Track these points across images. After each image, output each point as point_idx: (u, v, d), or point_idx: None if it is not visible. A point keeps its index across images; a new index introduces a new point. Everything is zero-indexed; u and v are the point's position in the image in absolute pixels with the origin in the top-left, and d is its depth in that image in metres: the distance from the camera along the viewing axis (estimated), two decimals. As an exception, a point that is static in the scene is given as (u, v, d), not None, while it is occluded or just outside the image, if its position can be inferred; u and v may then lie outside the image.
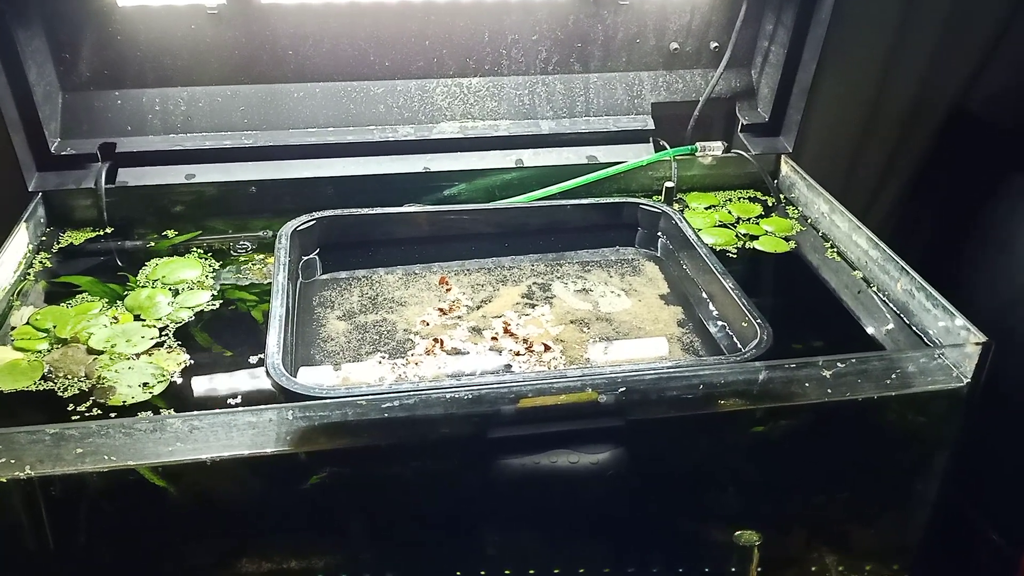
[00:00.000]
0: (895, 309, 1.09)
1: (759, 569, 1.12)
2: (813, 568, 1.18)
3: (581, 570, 1.12)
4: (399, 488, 0.96)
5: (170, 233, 1.23)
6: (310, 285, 1.14)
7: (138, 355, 0.98)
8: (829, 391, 0.92)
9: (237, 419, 0.83)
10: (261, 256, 1.20)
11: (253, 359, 0.98)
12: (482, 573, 1.02)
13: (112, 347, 0.99)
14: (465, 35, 1.30)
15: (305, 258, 1.18)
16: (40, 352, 0.98)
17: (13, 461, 0.79)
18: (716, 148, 1.38)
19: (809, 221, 1.31)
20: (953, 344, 0.96)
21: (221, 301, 1.09)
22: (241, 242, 1.20)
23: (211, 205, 1.26)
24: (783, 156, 1.40)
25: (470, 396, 0.86)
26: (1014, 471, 1.30)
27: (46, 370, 0.95)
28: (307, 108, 1.29)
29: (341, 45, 1.27)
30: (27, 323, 1.02)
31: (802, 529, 1.14)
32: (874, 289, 1.13)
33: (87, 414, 0.89)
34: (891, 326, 1.07)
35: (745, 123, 1.40)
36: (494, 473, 0.92)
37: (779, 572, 1.17)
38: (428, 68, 1.31)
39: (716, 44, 1.37)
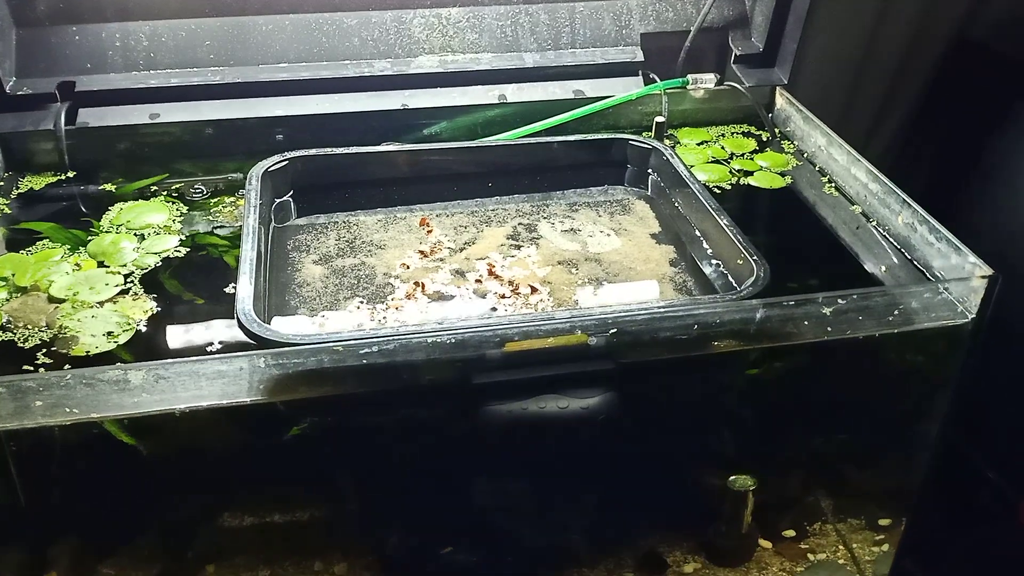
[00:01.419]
0: (896, 244, 1.05)
1: (752, 514, 1.10)
2: (809, 513, 1.16)
3: (572, 517, 1.09)
4: (380, 440, 0.93)
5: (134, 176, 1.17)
6: (283, 229, 1.09)
7: (102, 303, 0.93)
8: (829, 329, 0.88)
9: (206, 367, 0.78)
10: (232, 199, 1.14)
11: (224, 306, 0.93)
12: (470, 523, 1.00)
13: (74, 295, 0.93)
14: (443, -39, 1.23)
15: (278, 200, 1.13)
16: (-2, 302, 0.93)
17: (-31, 416, 0.75)
18: (708, 80, 1.32)
19: (805, 155, 1.26)
20: (958, 278, 0.92)
21: (189, 247, 1.04)
22: (196, 186, 1.14)
23: (178, 146, 1.20)
24: (778, 88, 1.35)
25: (453, 340, 0.82)
26: (1017, 411, 1.27)
27: (5, 320, 0.90)
28: (277, 42, 1.22)
29: (311, -27, 1.20)
30: (-16, 272, 0.97)
31: (799, 473, 1.12)
32: (874, 224, 1.09)
33: (48, 365, 0.84)
34: (892, 261, 1.03)
35: (738, 54, 1.34)
36: (480, 421, 0.88)
37: (774, 517, 1.15)
38: (404, -2, 1.25)
39: (708, -30, 1.30)
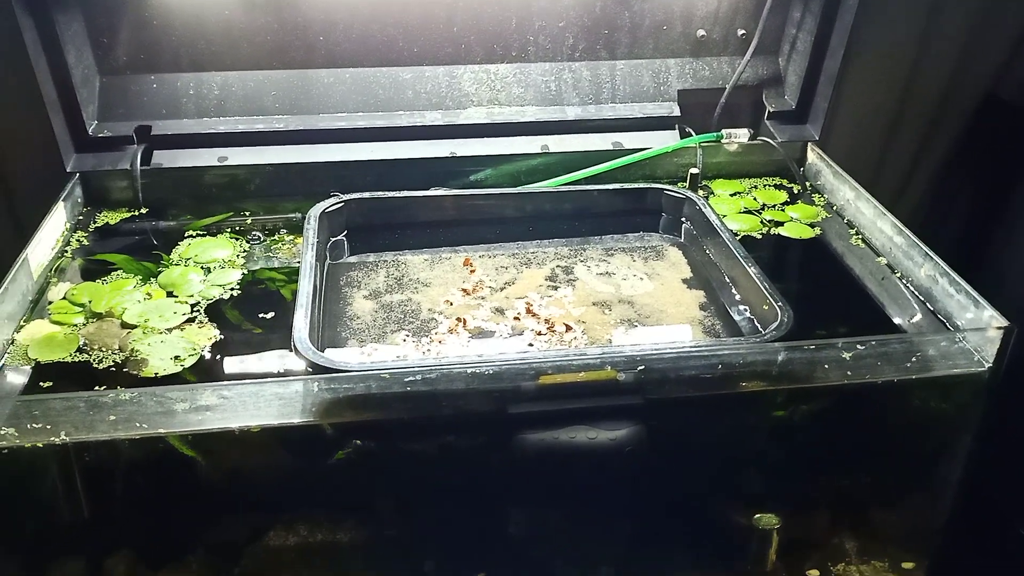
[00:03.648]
0: (919, 296, 1.08)
1: (777, 553, 1.13)
2: (833, 554, 1.19)
3: (599, 550, 1.13)
4: (422, 462, 0.98)
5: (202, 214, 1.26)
6: (337, 266, 1.17)
7: (170, 330, 1.01)
8: (849, 373, 0.92)
9: (264, 390, 0.85)
10: (291, 237, 1.22)
11: (281, 335, 1.00)
12: (501, 549, 1.04)
13: (145, 321, 1.01)
14: (492, 21, 1.31)
15: (333, 239, 1.20)
16: (76, 326, 1.01)
17: (48, 427, 0.82)
18: (742, 135, 1.38)
19: (835, 208, 1.31)
20: (974, 328, 0.96)
21: (251, 280, 1.12)
22: (254, 233, 1.22)
23: (243, 187, 1.29)
24: (810, 144, 1.40)
25: (491, 372, 0.88)
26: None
27: (81, 343, 0.98)
28: (337, 93, 1.31)
29: (370, 31, 1.29)
30: (64, 298, 1.06)
31: (822, 514, 1.15)
32: (898, 275, 1.13)
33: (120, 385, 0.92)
34: (915, 312, 1.07)
35: (772, 110, 1.40)
36: (514, 449, 0.93)
37: (799, 557, 1.17)
38: (456, 54, 1.33)
39: (743, 31, 1.37)
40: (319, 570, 1.12)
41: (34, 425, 0.82)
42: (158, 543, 1.08)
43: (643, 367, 0.89)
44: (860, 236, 1.23)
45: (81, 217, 1.24)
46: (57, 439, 0.82)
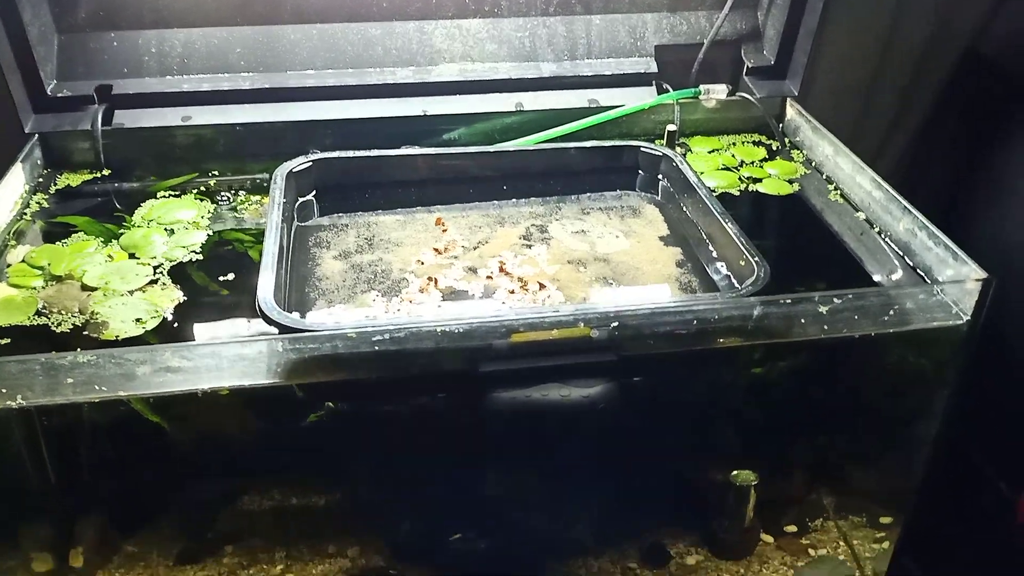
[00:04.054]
0: (898, 250, 1.07)
1: (755, 510, 1.12)
2: (811, 510, 1.19)
3: (578, 508, 1.12)
4: (393, 423, 0.97)
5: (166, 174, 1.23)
6: (306, 227, 1.14)
7: (132, 292, 0.98)
8: (826, 327, 0.91)
9: (228, 351, 0.83)
10: (258, 198, 1.19)
11: (247, 297, 0.97)
12: (475, 509, 1.03)
13: (106, 284, 0.99)
14: (464, -26, 1.28)
15: (301, 200, 1.18)
16: (35, 288, 0.98)
17: (4, 391, 0.79)
18: (720, 91, 1.35)
19: (813, 164, 1.29)
20: (953, 280, 0.94)
21: (216, 241, 1.09)
22: (222, 194, 1.19)
23: (208, 148, 1.25)
24: (789, 99, 1.38)
25: (461, 330, 0.85)
26: (1017, 412, 1.28)
27: (40, 306, 0.95)
28: (304, 50, 1.28)
29: (338, -15, 1.25)
30: (22, 261, 1.02)
31: (799, 470, 1.14)
32: (877, 230, 1.11)
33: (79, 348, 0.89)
34: (894, 266, 1.05)
35: (750, 66, 1.37)
36: (486, 408, 0.92)
37: (776, 513, 1.17)
38: (426, 9, 1.29)
39: (721, -16, 1.34)
40: (290, 534, 1.11)
41: (-11, 389, 0.79)
42: (126, 508, 1.07)
43: (617, 324, 0.87)
44: (839, 192, 1.21)
45: (41, 179, 1.21)
46: (14, 403, 0.80)
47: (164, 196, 1.18)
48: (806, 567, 1.15)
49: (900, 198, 1.07)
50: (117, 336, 0.91)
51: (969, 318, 0.92)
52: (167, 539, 1.09)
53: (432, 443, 1.01)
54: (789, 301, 0.89)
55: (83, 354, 0.80)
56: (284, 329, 0.86)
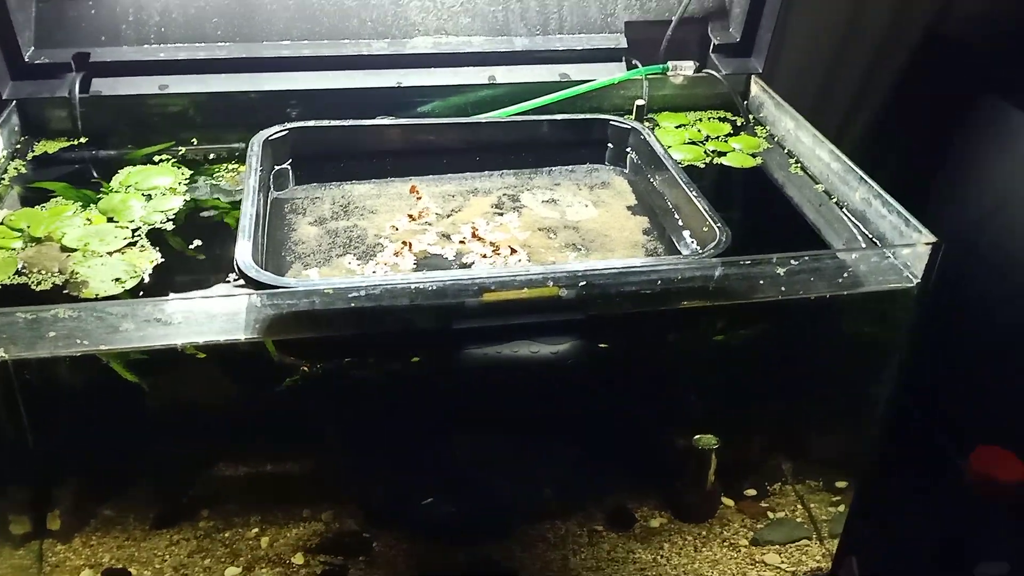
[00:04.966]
0: (854, 220, 1.11)
1: (716, 473, 1.17)
2: (769, 474, 1.23)
3: (544, 472, 1.16)
4: (367, 381, 0.99)
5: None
6: (282, 194, 1.16)
7: (111, 253, 1.00)
8: (783, 289, 0.95)
9: (206, 306, 0.85)
10: (235, 166, 1.21)
11: (225, 260, 1.00)
12: (447, 468, 1.06)
13: (85, 245, 1.00)
14: (439, -51, 1.30)
15: (277, 168, 1.20)
16: (14, 250, 1.00)
17: (-10, 341, 0.81)
18: (687, 68, 1.39)
19: (776, 139, 1.33)
20: (904, 244, 0.99)
21: (193, 206, 1.11)
22: (196, 161, 1.21)
23: (185, 116, 1.26)
24: (753, 77, 1.42)
25: (434, 288, 0.88)
26: (966, 375, 1.34)
27: (20, 266, 0.97)
28: (280, 21, 1.29)
29: (314, -43, 1.27)
30: (1, 223, 1.04)
31: (758, 433, 1.19)
32: (835, 200, 1.15)
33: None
34: (851, 235, 1.09)
35: (717, 43, 1.41)
36: (458, 368, 0.95)
37: (737, 477, 1.21)
38: (402, -18, 1.32)
39: (690, -37, 1.38)
40: (265, 495, 1.13)
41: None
42: (103, 472, 1.09)
43: (584, 283, 0.91)
44: (800, 165, 1.25)
45: (19, 146, 1.22)
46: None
47: (141, 163, 1.19)
48: (765, 529, 1.19)
49: (857, 168, 1.11)
50: (97, 295, 0.93)
51: (919, 281, 0.96)
52: (144, 503, 1.11)
53: (405, 405, 1.04)
54: (748, 262, 0.93)
55: (64, 307, 0.82)
56: (263, 287, 0.88)
